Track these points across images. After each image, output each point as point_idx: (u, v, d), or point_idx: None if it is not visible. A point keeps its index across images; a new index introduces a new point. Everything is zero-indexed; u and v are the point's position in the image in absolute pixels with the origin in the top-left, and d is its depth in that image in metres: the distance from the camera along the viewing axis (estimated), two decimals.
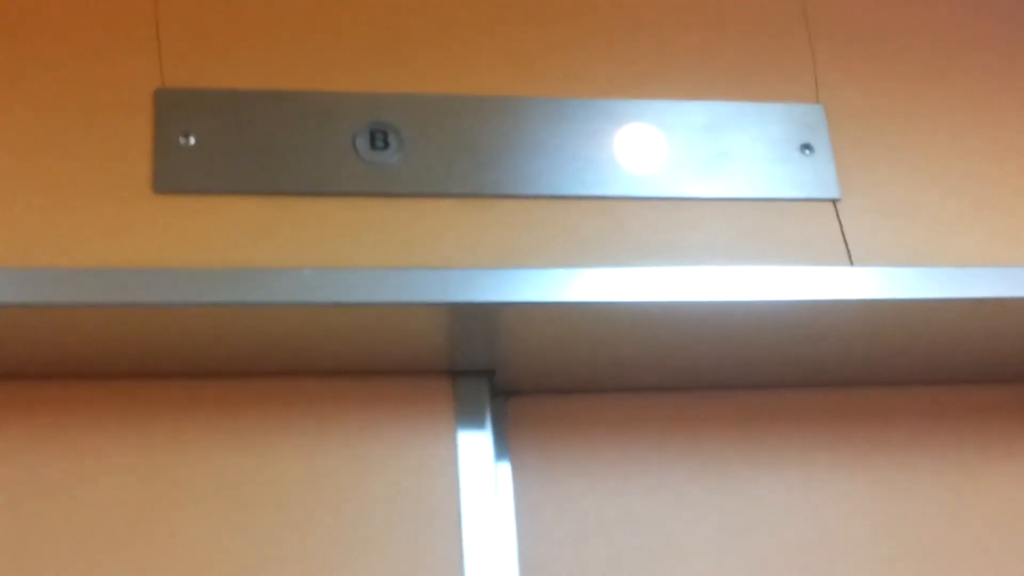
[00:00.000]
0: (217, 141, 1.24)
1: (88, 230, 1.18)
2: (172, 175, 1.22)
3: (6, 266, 1.14)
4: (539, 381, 1.37)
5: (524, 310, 1.20)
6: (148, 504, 1.20)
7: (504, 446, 1.34)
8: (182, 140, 1.23)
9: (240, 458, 1.24)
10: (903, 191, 1.38)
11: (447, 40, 1.35)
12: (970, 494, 1.42)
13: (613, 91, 1.37)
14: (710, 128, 1.36)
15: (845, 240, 1.33)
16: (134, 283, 1.12)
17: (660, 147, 1.35)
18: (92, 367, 1.23)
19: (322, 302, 1.15)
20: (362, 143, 1.27)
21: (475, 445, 1.29)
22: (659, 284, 1.22)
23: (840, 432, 1.44)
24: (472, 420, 1.30)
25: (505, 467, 1.33)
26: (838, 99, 1.42)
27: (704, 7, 1.44)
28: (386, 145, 1.27)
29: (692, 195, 1.33)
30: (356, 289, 1.16)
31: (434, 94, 1.32)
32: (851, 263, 1.32)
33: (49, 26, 1.27)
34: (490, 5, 1.39)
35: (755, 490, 1.38)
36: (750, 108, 1.38)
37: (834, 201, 1.36)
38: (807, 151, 1.37)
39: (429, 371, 1.31)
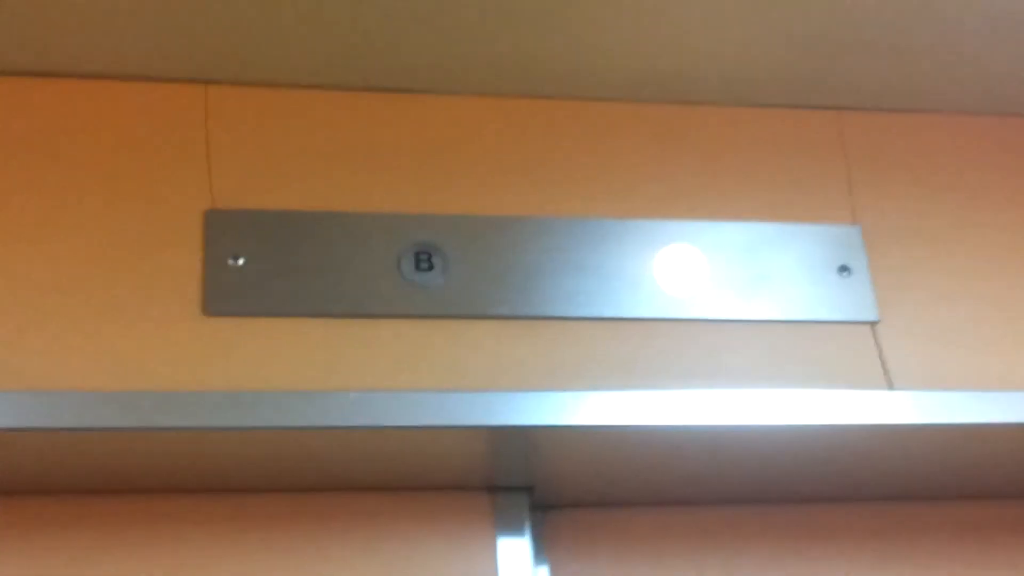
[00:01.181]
0: (266, 262, 1.26)
1: (138, 352, 1.19)
2: (222, 297, 1.23)
3: (56, 389, 1.15)
4: (577, 496, 1.37)
5: (562, 433, 1.21)
6: None
7: (543, 558, 1.34)
8: (231, 261, 1.25)
9: (282, 572, 1.24)
10: (942, 313, 1.38)
11: (489, 161, 1.38)
12: None
13: (653, 211, 1.38)
14: (750, 249, 1.38)
15: (883, 363, 1.33)
16: (183, 406, 1.14)
17: (700, 268, 1.36)
18: (141, 485, 1.24)
19: (366, 426, 1.16)
20: (407, 265, 1.29)
21: (515, 557, 1.29)
22: (698, 407, 1.22)
23: (878, 546, 1.42)
24: (512, 533, 1.31)
25: None
26: (875, 220, 1.42)
27: (742, 129, 1.46)
28: (431, 267, 1.29)
29: (731, 317, 1.34)
30: (399, 413, 1.17)
31: (477, 215, 1.34)
32: (889, 386, 1.32)
33: (99, 147, 1.30)
34: (531, 127, 1.41)
35: None
36: (789, 229, 1.40)
37: (872, 324, 1.36)
38: (845, 273, 1.38)
39: (470, 487, 1.32)
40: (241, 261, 1.25)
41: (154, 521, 1.24)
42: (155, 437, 1.14)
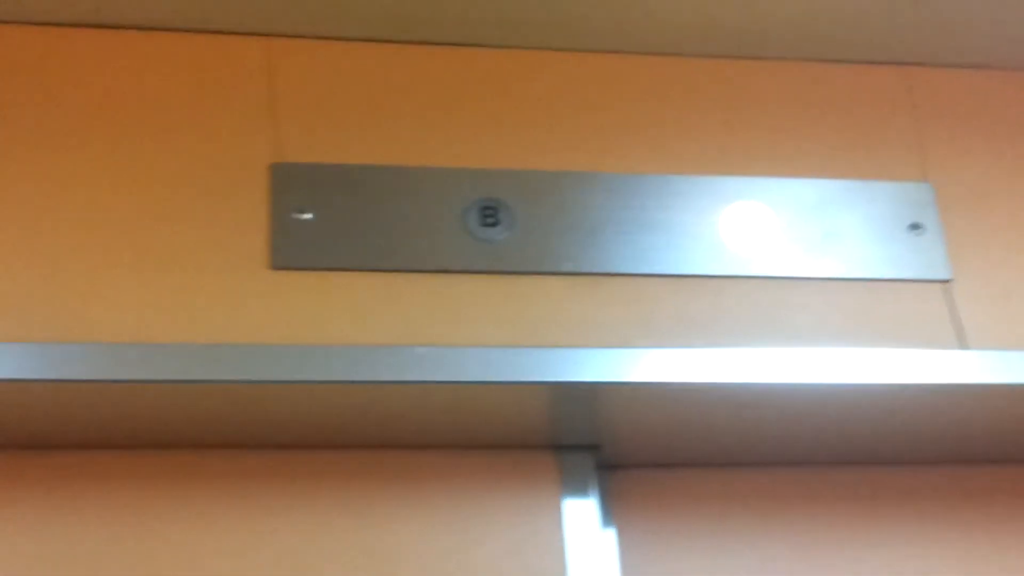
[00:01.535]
0: (332, 216, 1.26)
1: (204, 306, 1.20)
2: (288, 251, 1.24)
3: (123, 341, 1.16)
4: (643, 455, 1.37)
5: (628, 390, 1.21)
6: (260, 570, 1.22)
7: (609, 519, 1.33)
8: (297, 215, 1.25)
9: (348, 529, 1.25)
10: (1015, 270, 1.37)
11: (556, 116, 1.37)
12: None
13: (721, 168, 1.37)
14: (818, 206, 1.36)
15: (957, 322, 1.32)
16: (250, 360, 1.14)
17: (768, 225, 1.35)
18: (205, 440, 1.25)
19: (432, 381, 1.16)
20: (473, 219, 1.29)
21: (581, 517, 1.29)
22: (765, 365, 1.22)
23: (955, 511, 1.41)
24: (577, 493, 1.31)
25: (611, 539, 1.31)
26: (947, 177, 1.41)
27: (811, 84, 1.45)
28: (496, 222, 1.29)
29: (800, 275, 1.33)
30: (464, 368, 1.17)
31: (543, 170, 1.33)
32: (963, 345, 1.31)
33: (164, 102, 1.30)
34: (598, 82, 1.40)
35: (867, 570, 1.36)
36: (858, 186, 1.38)
37: (945, 282, 1.34)
38: (916, 230, 1.36)
39: (535, 446, 1.32)
40: (307, 215, 1.25)
41: (222, 477, 1.25)
42: (220, 390, 1.15)
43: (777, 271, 1.32)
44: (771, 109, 1.42)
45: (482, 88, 1.37)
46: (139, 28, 1.33)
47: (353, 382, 1.15)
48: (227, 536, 1.22)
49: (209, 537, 1.22)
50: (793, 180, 1.38)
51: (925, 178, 1.40)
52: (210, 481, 1.25)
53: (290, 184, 1.27)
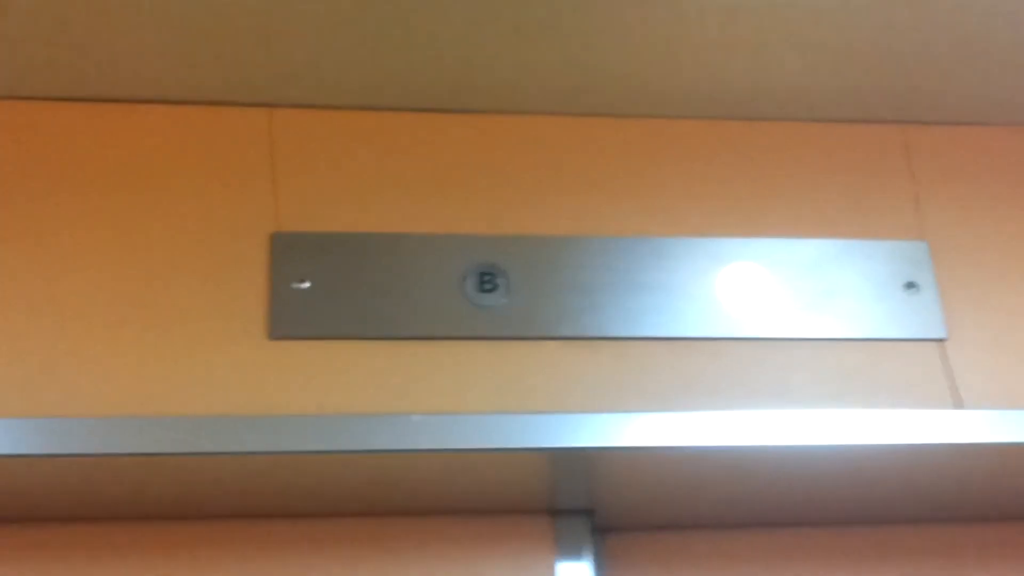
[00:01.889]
0: (331, 285, 1.27)
1: (204, 377, 1.20)
2: (287, 320, 1.24)
3: (120, 415, 1.17)
4: (639, 519, 1.37)
5: (623, 455, 1.21)
6: None
7: None
8: (297, 284, 1.26)
9: None
10: (1012, 329, 1.36)
11: (553, 180, 1.38)
12: None
13: (716, 229, 1.37)
14: (815, 266, 1.36)
15: (952, 381, 1.32)
16: (247, 431, 1.15)
17: (765, 286, 1.35)
18: (203, 511, 1.26)
19: (428, 449, 1.17)
20: (471, 285, 1.29)
21: None
22: (761, 428, 1.22)
23: (951, 568, 1.41)
24: (573, 557, 1.31)
25: None
26: (942, 235, 1.41)
27: (806, 144, 1.45)
28: (494, 287, 1.29)
29: (796, 335, 1.32)
30: (461, 436, 1.18)
31: (540, 235, 1.34)
32: (958, 404, 1.30)
33: (165, 171, 1.32)
34: (593, 146, 1.41)
35: None
36: (855, 246, 1.38)
37: (940, 341, 1.34)
38: (912, 289, 1.36)
39: (530, 511, 1.32)
40: (307, 284, 1.26)
41: (217, 546, 1.26)
42: (220, 463, 1.16)
43: (774, 332, 1.32)
44: (767, 169, 1.42)
45: (479, 154, 1.38)
46: (144, 101, 1.35)
47: (350, 451, 1.16)
48: None
49: None
50: (789, 240, 1.38)
51: (922, 236, 1.40)
52: (205, 550, 1.26)
53: (290, 253, 1.28)
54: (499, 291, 1.29)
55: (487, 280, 1.29)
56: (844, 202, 1.41)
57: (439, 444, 1.17)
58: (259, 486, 1.22)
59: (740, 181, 1.41)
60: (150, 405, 1.18)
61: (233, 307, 1.25)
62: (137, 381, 1.19)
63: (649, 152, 1.41)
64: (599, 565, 1.32)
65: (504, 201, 1.36)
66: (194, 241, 1.28)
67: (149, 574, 1.24)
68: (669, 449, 1.20)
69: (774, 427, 1.22)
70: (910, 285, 1.36)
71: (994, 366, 1.33)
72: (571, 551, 1.31)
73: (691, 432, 1.21)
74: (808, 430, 1.22)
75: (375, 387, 1.23)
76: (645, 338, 1.30)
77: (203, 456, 1.14)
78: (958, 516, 1.42)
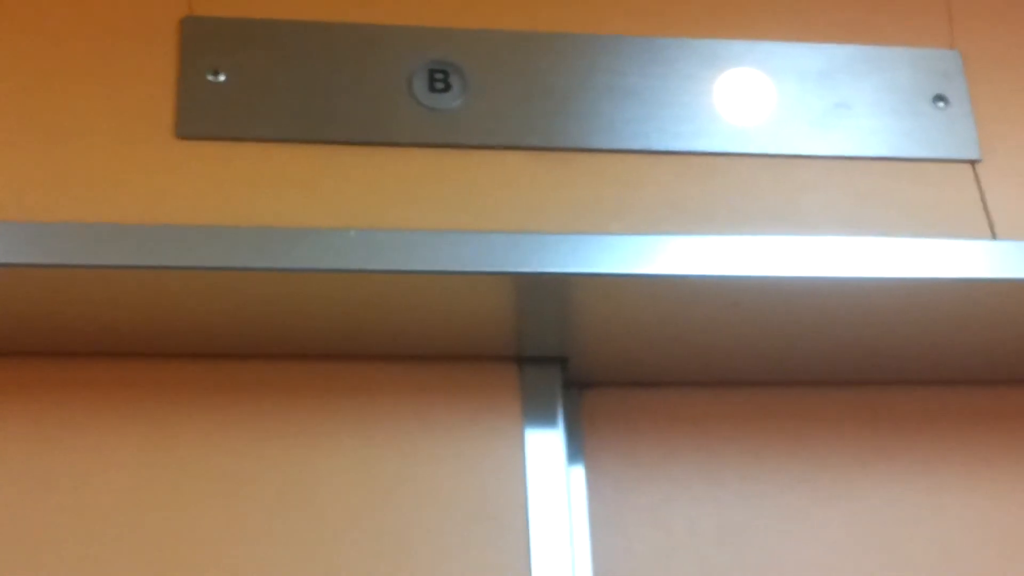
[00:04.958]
0: (251, 79, 1.16)
1: (100, 180, 1.10)
2: (198, 118, 1.14)
3: (5, 220, 1.06)
4: (620, 371, 1.29)
5: (603, 283, 1.11)
6: (169, 499, 1.13)
7: (578, 446, 1.27)
8: (211, 77, 1.16)
9: (273, 451, 1.16)
10: None
11: None
12: None
13: (713, 30, 1.27)
14: (826, 75, 1.27)
15: (985, 208, 1.22)
16: (150, 242, 1.04)
17: (768, 95, 1.25)
18: (100, 342, 1.16)
19: (369, 269, 1.06)
20: (420, 85, 1.18)
21: (545, 444, 1.21)
22: (763, 256, 1.12)
23: (966, 433, 1.34)
24: (542, 415, 1.22)
25: (579, 470, 1.25)
26: (977, 45, 1.31)
27: None
28: (447, 87, 1.19)
29: (803, 152, 1.23)
30: (409, 255, 1.07)
31: (505, 30, 1.23)
32: (992, 234, 1.21)
33: None
34: None
35: (867, 499, 1.29)
36: (873, 53, 1.28)
37: (973, 162, 1.25)
38: (941, 103, 1.27)
39: (492, 356, 1.23)
40: (222, 77, 1.16)
41: (120, 387, 1.17)
42: (113, 277, 1.04)
43: (777, 148, 1.23)
44: None
45: None
46: None
47: (271, 269, 1.05)
48: (117, 458, 1.14)
49: (87, 462, 1.14)
50: (797, 45, 1.28)
51: (952, 45, 1.31)
52: (100, 392, 1.17)
53: (204, 41, 1.17)
54: (453, 91, 1.19)
55: (439, 78, 1.19)
56: (864, 3, 1.31)
57: (380, 264, 1.05)
58: (161, 313, 1.11)
59: None
60: (37, 210, 1.08)
61: (136, 101, 1.14)
62: (22, 181, 1.09)
63: None
64: (571, 422, 1.26)
65: None
66: (94, 23, 1.17)
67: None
68: (654, 278, 1.10)
69: (777, 254, 1.12)
70: (939, 98, 1.28)
71: None
72: (540, 406, 1.22)
73: (680, 259, 1.11)
74: (813, 259, 1.12)
75: (301, 197, 1.12)
76: (628, 151, 1.20)
77: (92, 269, 1.02)
78: (979, 377, 1.34)
